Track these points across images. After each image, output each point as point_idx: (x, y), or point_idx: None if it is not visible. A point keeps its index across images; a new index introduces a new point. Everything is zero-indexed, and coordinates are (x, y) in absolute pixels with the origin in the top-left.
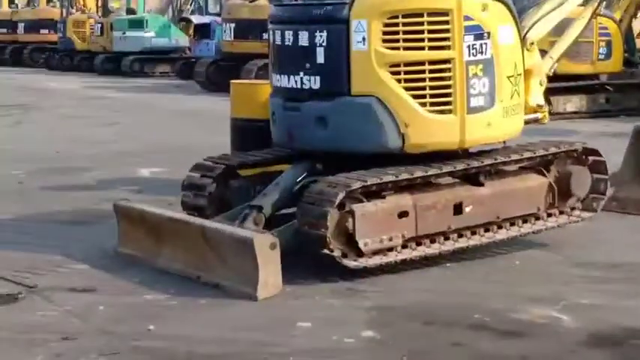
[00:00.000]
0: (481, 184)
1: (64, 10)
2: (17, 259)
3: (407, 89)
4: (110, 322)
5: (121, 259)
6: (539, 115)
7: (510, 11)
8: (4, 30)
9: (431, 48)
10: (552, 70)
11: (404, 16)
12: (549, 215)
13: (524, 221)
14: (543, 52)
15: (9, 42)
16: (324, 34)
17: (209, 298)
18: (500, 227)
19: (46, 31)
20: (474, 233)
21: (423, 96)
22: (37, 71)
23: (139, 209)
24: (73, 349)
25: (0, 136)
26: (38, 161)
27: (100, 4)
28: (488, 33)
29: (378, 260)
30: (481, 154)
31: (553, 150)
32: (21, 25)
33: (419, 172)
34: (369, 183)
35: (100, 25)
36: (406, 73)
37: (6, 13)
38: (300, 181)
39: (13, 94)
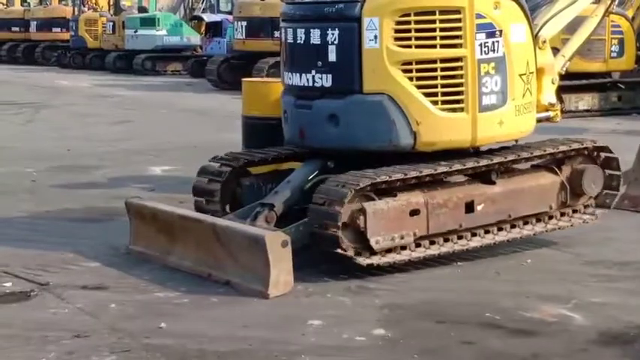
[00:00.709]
0: (493, 183)
1: (76, 9)
2: (29, 256)
3: (419, 87)
4: (122, 320)
5: (132, 256)
6: (551, 114)
7: (522, 9)
8: (17, 28)
9: (443, 46)
10: (564, 69)
11: (416, 14)
12: (562, 214)
13: (537, 220)
14: (555, 50)
15: (21, 40)
16: (336, 32)
17: (220, 295)
18: (512, 226)
19: (58, 29)
20: (485, 232)
21: (435, 94)
22: (49, 69)
23: (151, 207)
24: (84, 347)
25: (12, 134)
26: (50, 159)
27: (111, 2)
28: (501, 31)
29: (389, 258)
30: (493, 152)
31: (565, 148)
32: (33, 24)
33: (432, 170)
34: (380, 180)
35: (111, 24)
36: (418, 71)
37: (18, 12)
38: (311, 179)
39: (25, 92)
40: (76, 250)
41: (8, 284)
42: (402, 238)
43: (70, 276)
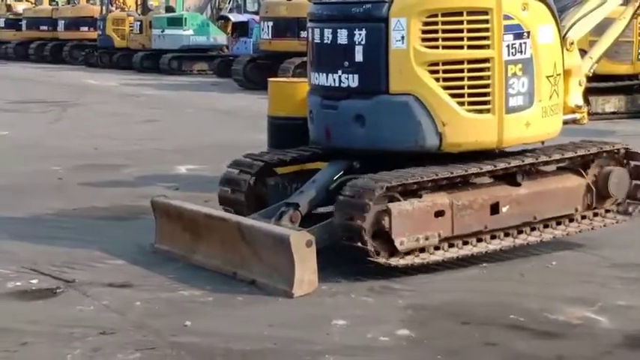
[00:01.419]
0: (518, 185)
1: (104, 8)
2: (56, 253)
3: (445, 88)
4: (147, 318)
5: (158, 255)
6: (577, 116)
7: (551, 10)
8: (45, 27)
9: (470, 47)
10: (592, 71)
11: (443, 15)
12: (586, 217)
13: (561, 223)
14: (582, 52)
15: (49, 39)
16: (363, 32)
17: (245, 294)
18: (537, 228)
19: (86, 28)
20: (509, 234)
21: (462, 95)
22: (77, 68)
23: (177, 205)
24: (110, 344)
25: (40, 133)
26: (77, 157)
27: (139, 2)
28: (528, 32)
29: (413, 259)
30: (518, 153)
31: (592, 150)
32: (61, 23)
33: (458, 171)
34: (408, 182)
35: (139, 23)
36: (445, 72)
37: (46, 11)
38: (336, 179)
39: (52, 91)
40: (102, 248)
41: (35, 281)
42: (426, 239)
43: (95, 273)
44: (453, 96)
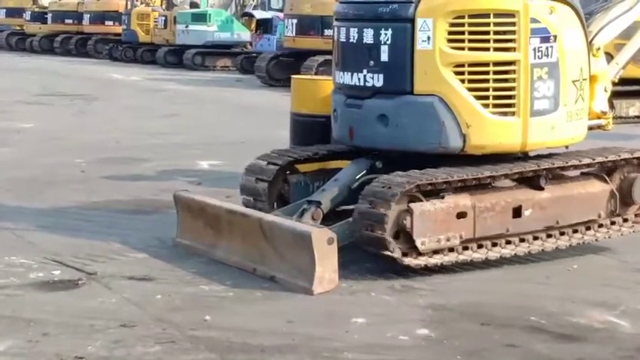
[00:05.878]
0: (541, 188)
1: (129, 3)
2: (78, 245)
3: (470, 90)
4: (167, 311)
5: (179, 249)
6: (602, 122)
7: (578, 15)
8: (70, 20)
9: (496, 49)
10: (617, 77)
11: (470, 17)
12: (611, 223)
13: (585, 228)
14: (607, 55)
15: (74, 32)
16: (389, 32)
17: (265, 290)
18: (560, 233)
19: (111, 22)
20: (534, 238)
21: (487, 97)
22: (101, 62)
23: (199, 200)
24: (130, 337)
25: (63, 126)
26: (100, 151)
27: None
28: (555, 36)
29: (434, 260)
30: (542, 157)
31: (616, 156)
32: (86, 16)
33: (483, 173)
34: (432, 182)
35: (163, 18)
36: (470, 73)
37: (72, 4)
38: (359, 178)
39: (76, 84)
40: (123, 241)
41: (57, 272)
42: (447, 240)
43: (117, 266)
44: (478, 98)
